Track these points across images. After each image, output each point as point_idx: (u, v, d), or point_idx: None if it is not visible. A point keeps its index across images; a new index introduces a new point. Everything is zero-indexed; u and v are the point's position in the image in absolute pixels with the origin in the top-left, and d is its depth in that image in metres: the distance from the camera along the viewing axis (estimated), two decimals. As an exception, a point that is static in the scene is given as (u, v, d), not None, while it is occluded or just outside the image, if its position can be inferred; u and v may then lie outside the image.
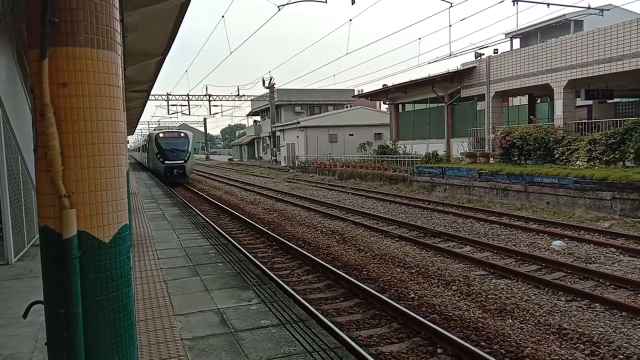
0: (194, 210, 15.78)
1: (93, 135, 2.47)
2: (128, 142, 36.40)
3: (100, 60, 2.49)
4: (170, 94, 46.71)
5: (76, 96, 2.42)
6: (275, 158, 51.37)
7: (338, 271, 8.58)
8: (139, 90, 19.06)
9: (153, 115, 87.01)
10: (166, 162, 29.98)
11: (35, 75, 2.39)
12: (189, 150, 31.15)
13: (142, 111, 33.52)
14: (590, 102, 23.97)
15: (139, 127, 58.14)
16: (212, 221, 14.67)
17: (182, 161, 30.50)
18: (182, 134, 32.39)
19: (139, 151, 61.82)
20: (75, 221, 2.41)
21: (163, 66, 14.58)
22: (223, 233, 12.15)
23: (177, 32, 10.46)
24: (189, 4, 8.53)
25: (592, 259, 9.41)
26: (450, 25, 26.21)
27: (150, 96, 29.94)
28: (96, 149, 2.48)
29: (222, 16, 20.99)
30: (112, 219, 2.55)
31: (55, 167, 2.38)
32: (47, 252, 2.48)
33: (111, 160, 2.56)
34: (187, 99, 47.30)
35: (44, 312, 2.54)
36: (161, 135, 31.84)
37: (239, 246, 10.70)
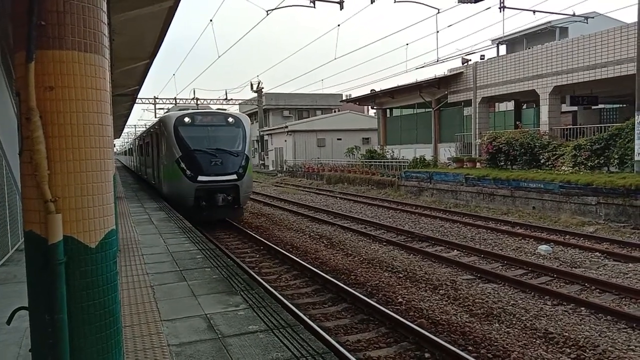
0: (181, 214, 15.64)
1: (80, 140, 2.45)
2: (114, 146, 35.34)
3: (87, 64, 2.47)
4: (157, 97, 46.41)
5: (63, 100, 2.40)
6: (263, 162, 51.29)
7: (326, 276, 8.57)
8: (125, 94, 18.94)
9: (140, 118, 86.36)
10: (200, 177, 14.35)
11: (21, 78, 2.37)
12: (245, 151, 15.18)
13: (129, 114, 33.12)
14: (575, 108, 24.30)
15: (125, 130, 57.35)
16: (198, 225, 14.56)
17: (234, 176, 14.64)
18: (229, 119, 15.47)
19: (130, 154, 43.96)
20: (61, 226, 2.39)
21: (150, 70, 14.52)
22: (210, 238, 12.08)
23: (164, 35, 10.43)
24: (177, 7, 8.51)
25: (578, 263, 9.50)
26: (438, 32, 26.59)
27: (137, 99, 27.01)
28: (83, 153, 2.46)
29: (210, 20, 20.94)
30: (98, 224, 2.52)
31: (41, 171, 2.36)
32: (32, 258, 2.45)
33: (98, 164, 2.53)
34: (174, 102, 47.00)
35: (28, 318, 2.51)
36: (186, 119, 14.92)
37: (226, 251, 10.65)
